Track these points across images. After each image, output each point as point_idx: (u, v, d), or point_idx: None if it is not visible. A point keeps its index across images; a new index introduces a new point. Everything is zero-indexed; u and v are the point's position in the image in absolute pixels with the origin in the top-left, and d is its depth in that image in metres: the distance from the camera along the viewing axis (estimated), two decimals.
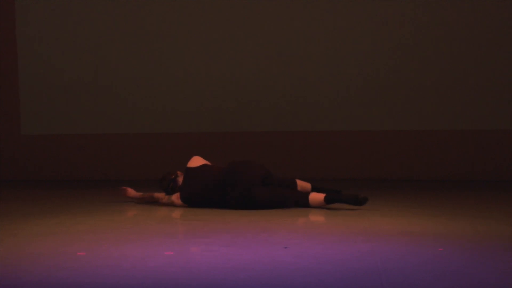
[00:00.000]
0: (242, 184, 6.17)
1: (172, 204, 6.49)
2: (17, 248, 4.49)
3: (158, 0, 9.06)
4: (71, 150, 9.22)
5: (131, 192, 6.76)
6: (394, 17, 8.79)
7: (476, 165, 8.72)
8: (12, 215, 5.96)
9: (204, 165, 6.47)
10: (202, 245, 4.60)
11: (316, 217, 5.69)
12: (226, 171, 6.30)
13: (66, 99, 9.20)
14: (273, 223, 5.44)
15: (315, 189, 6.47)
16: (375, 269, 3.81)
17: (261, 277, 3.68)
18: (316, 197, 6.16)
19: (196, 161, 6.53)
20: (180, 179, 6.54)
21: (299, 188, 6.47)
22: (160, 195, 6.64)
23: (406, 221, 5.43)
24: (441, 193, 7.48)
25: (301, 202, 6.19)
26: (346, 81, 8.90)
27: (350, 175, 8.82)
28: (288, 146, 8.96)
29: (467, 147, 8.77)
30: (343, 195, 6.15)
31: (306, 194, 6.22)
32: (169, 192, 6.58)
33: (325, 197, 6.10)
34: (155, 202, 6.64)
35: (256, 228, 5.21)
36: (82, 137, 9.20)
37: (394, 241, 4.62)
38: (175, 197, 6.48)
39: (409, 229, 5.08)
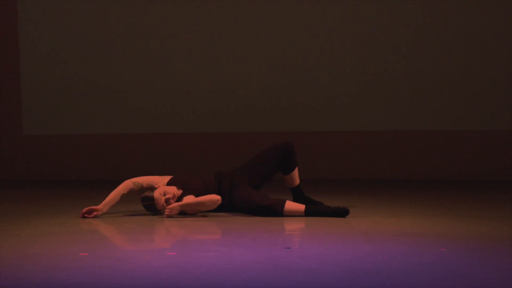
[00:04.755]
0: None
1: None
2: (18, 249, 4.48)
3: (159, 1, 9.06)
4: (72, 150, 9.22)
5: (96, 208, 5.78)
6: (394, 18, 8.79)
7: (477, 165, 8.72)
8: (12, 215, 5.96)
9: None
10: (204, 245, 4.60)
11: (317, 218, 5.68)
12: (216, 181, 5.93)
13: (68, 100, 9.20)
14: (275, 223, 5.44)
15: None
16: (377, 269, 3.81)
17: (262, 277, 3.68)
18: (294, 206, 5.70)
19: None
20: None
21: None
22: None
23: (408, 222, 5.43)
24: (442, 193, 7.48)
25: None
26: (346, 81, 8.90)
27: (350, 175, 8.82)
28: None
29: (468, 147, 8.77)
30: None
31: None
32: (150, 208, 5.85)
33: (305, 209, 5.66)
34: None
35: (258, 228, 5.21)
36: (84, 138, 9.20)
37: (395, 241, 4.62)
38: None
39: (410, 229, 5.08)
